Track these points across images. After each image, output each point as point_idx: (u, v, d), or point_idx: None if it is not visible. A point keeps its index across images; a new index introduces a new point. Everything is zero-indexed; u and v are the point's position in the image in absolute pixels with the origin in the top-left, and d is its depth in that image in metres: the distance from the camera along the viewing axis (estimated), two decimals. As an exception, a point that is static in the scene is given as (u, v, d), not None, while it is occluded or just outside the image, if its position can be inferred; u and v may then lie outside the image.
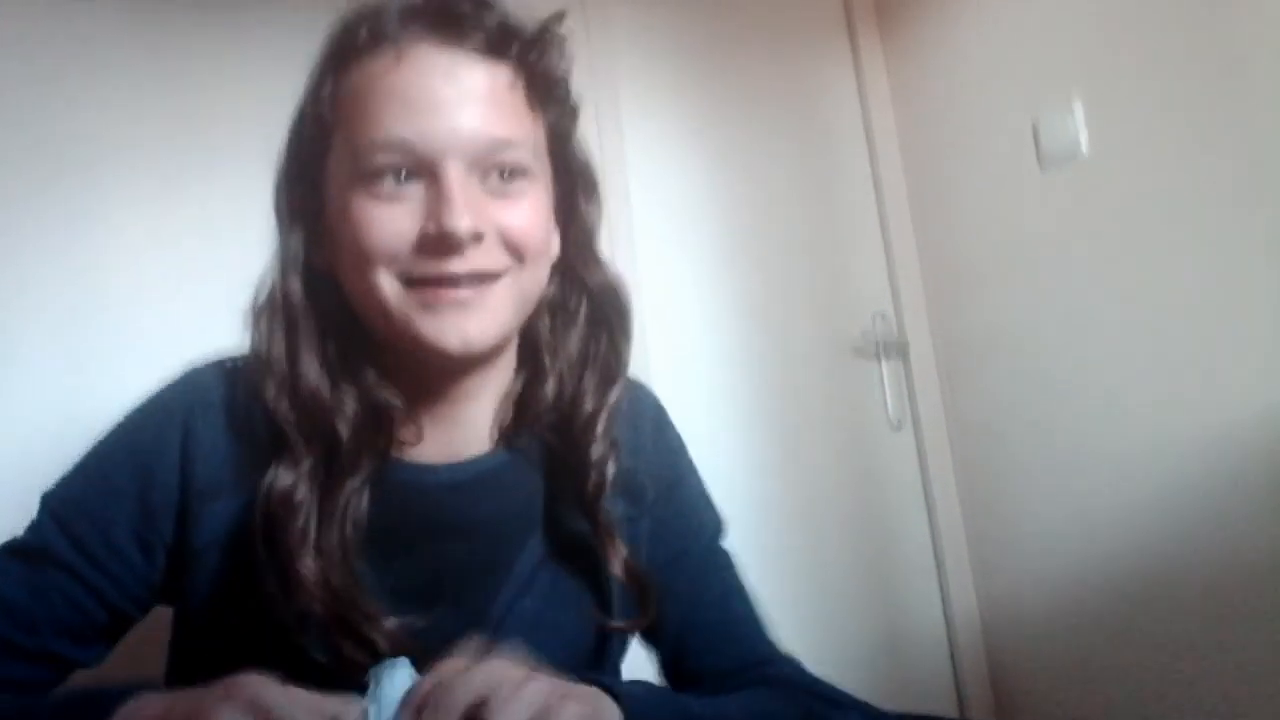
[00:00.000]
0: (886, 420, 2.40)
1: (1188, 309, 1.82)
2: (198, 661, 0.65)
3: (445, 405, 0.82)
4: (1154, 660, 1.90)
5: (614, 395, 0.85)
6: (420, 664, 0.72)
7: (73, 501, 0.78)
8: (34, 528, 0.78)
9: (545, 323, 0.85)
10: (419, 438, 0.80)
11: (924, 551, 2.38)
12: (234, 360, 0.81)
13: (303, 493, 0.74)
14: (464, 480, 0.82)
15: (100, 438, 0.81)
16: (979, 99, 2.28)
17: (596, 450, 0.83)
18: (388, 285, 0.73)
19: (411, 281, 0.72)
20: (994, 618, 2.31)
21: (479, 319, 0.74)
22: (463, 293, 0.73)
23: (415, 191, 0.72)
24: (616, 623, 0.83)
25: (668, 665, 0.94)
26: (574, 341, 0.86)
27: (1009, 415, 2.24)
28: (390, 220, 0.72)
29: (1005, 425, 2.25)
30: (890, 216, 2.49)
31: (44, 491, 0.80)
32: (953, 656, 2.33)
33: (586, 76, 2.11)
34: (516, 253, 0.75)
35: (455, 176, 0.71)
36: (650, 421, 0.96)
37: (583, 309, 0.87)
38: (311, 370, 0.76)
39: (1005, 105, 2.20)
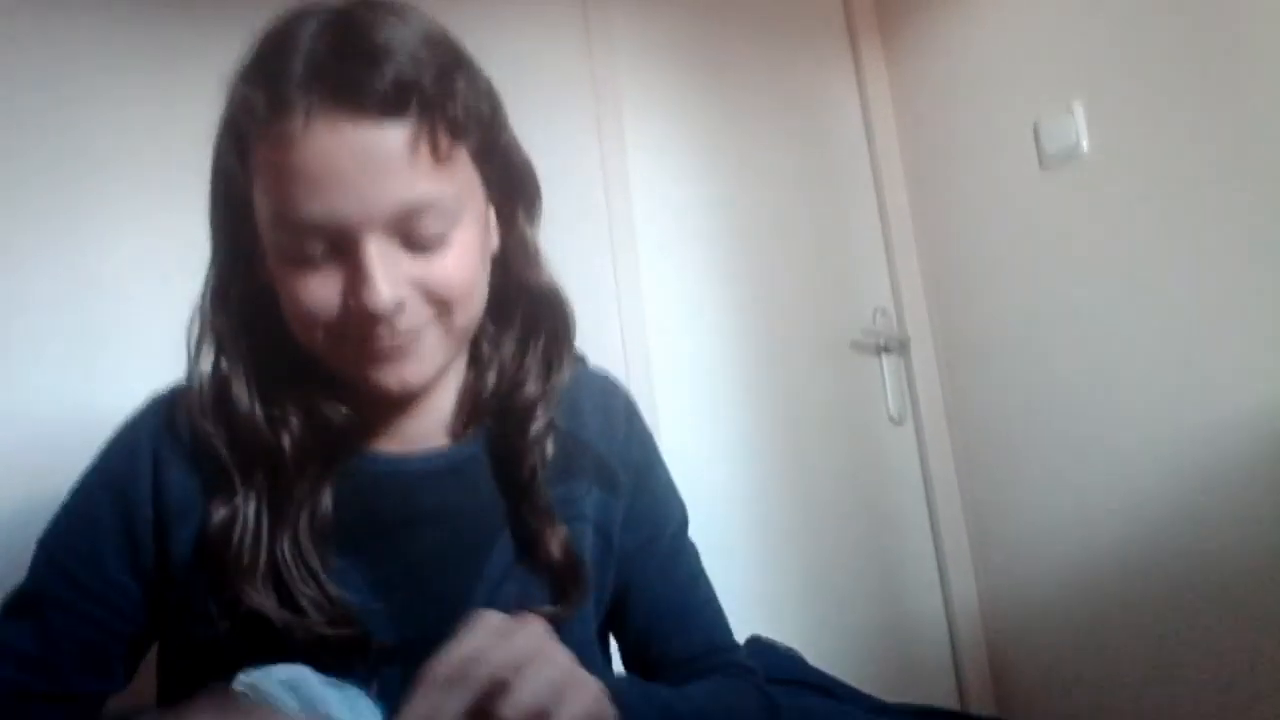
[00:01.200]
0: (887, 415, 2.42)
1: (1186, 305, 1.84)
2: (183, 680, 0.67)
3: (399, 408, 0.84)
4: (1154, 652, 1.92)
5: (554, 383, 0.87)
6: (402, 654, 0.75)
7: (62, 543, 0.81)
8: (32, 573, 0.81)
9: (486, 317, 0.86)
10: (371, 438, 0.83)
11: (925, 544, 2.40)
12: (189, 384, 0.82)
13: (243, 522, 0.76)
14: (429, 469, 0.84)
15: (79, 478, 0.83)
16: (980, 99, 2.30)
17: (534, 429, 0.85)
18: (322, 341, 0.75)
19: (346, 340, 0.74)
20: (994, 609, 2.33)
21: (415, 364, 0.76)
22: (394, 345, 0.74)
23: (338, 264, 0.72)
24: (546, 609, 0.82)
25: (629, 651, 0.96)
26: (513, 335, 0.89)
27: (1009, 410, 2.26)
28: (317, 289, 0.72)
29: (1005, 421, 2.27)
30: (891, 214, 2.50)
31: (39, 538, 0.82)
32: (953, 648, 2.35)
33: (588, 81, 2.14)
34: (443, 304, 0.75)
35: (372, 252, 0.70)
36: (622, 412, 0.98)
37: (520, 306, 0.89)
38: (242, 396, 0.78)
39: (1006, 105, 2.21)
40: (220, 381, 0.80)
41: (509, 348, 0.88)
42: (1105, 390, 2.02)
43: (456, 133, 0.73)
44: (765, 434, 2.25)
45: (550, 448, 0.86)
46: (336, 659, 0.73)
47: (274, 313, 0.77)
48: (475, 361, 0.88)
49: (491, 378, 0.87)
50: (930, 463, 2.41)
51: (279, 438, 0.77)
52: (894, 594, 2.33)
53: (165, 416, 0.83)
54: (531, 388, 0.86)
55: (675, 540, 0.98)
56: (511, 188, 0.84)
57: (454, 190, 0.74)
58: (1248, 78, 1.73)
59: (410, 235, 0.72)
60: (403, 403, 0.83)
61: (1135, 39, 1.91)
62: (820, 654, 0.97)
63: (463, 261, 0.75)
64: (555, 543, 0.84)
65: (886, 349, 2.44)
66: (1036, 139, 2.13)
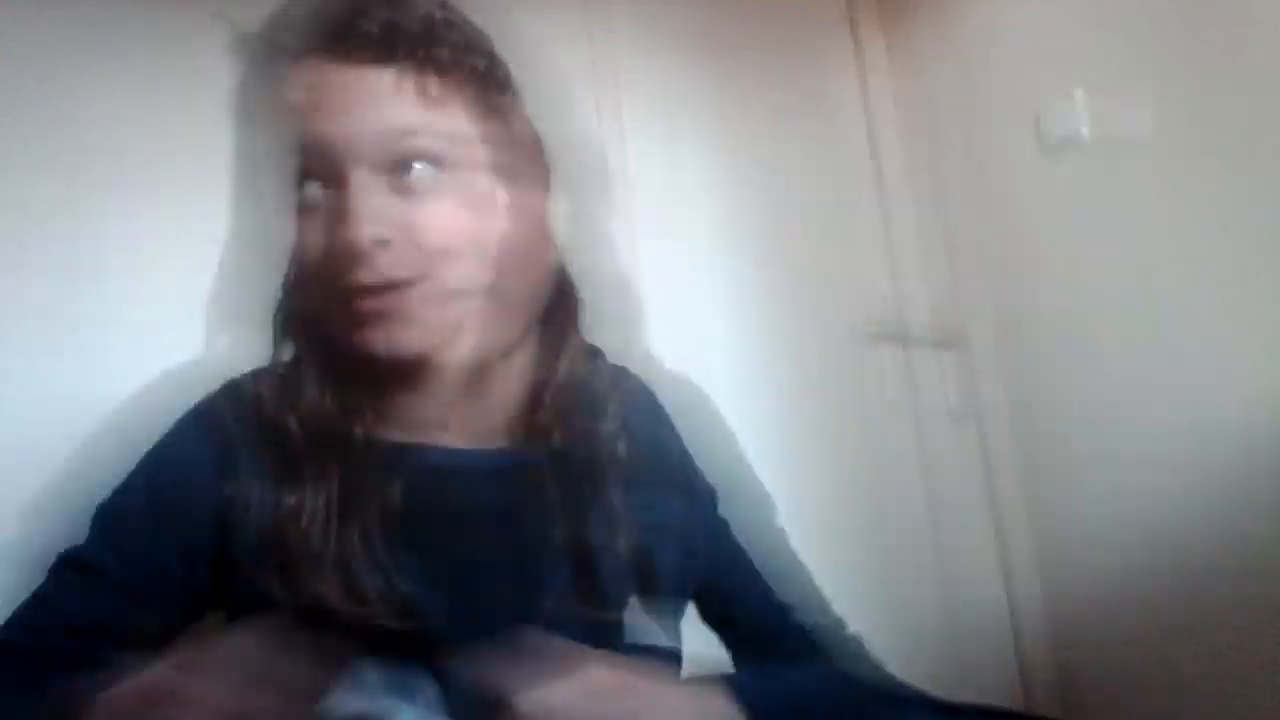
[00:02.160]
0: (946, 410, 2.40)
1: (1193, 296, 1.83)
2: None
3: (466, 398, 0.83)
4: (1225, 652, 1.84)
5: (597, 367, 0.89)
6: (460, 651, 0.74)
7: (119, 515, 0.82)
8: (88, 540, 0.81)
9: (556, 313, 0.87)
10: (440, 428, 0.82)
11: (987, 542, 2.35)
12: (268, 370, 0.83)
13: (310, 511, 0.77)
14: (496, 467, 0.84)
15: (146, 451, 0.84)
16: (981, 86, 2.29)
17: (606, 429, 0.85)
18: (321, 300, 0.76)
19: (337, 294, 0.74)
20: (1060, 608, 2.26)
21: (400, 326, 0.75)
22: (384, 301, 0.73)
23: (327, 200, 0.73)
24: (612, 614, 0.84)
25: (729, 641, 0.97)
26: (576, 330, 0.89)
27: (1069, 405, 2.19)
28: (309, 233, 0.73)
29: (1067, 415, 2.20)
30: (893, 201, 2.49)
31: (99, 503, 0.82)
32: (1017, 647, 2.30)
33: (588, 73, 2.13)
34: (429, 254, 0.74)
35: (356, 183, 0.71)
36: (658, 409, 0.98)
37: (554, 293, 0.89)
38: (312, 385, 0.79)
39: (1008, 93, 2.20)
40: (294, 370, 0.80)
41: (575, 345, 0.88)
42: (1161, 378, 1.95)
43: (446, 77, 0.74)
44: (817, 433, 2.24)
45: (623, 449, 0.85)
46: (397, 651, 0.73)
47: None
48: (543, 357, 0.88)
49: (563, 372, 0.86)
50: (991, 459, 2.36)
51: (350, 427, 0.78)
52: (955, 592, 2.30)
53: (240, 400, 0.83)
54: (599, 385, 0.87)
55: (715, 519, 0.98)
56: (518, 160, 0.83)
57: (444, 130, 0.74)
58: (1252, 64, 1.72)
59: (397, 175, 0.72)
60: (467, 391, 0.82)
61: (1137, 25, 1.91)
62: (880, 653, 0.96)
63: (456, 212, 0.75)
64: (625, 546, 0.83)
65: (941, 344, 2.41)
66: (1037, 126, 2.11)
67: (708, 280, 2.25)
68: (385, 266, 0.72)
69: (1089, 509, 2.17)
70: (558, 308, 0.88)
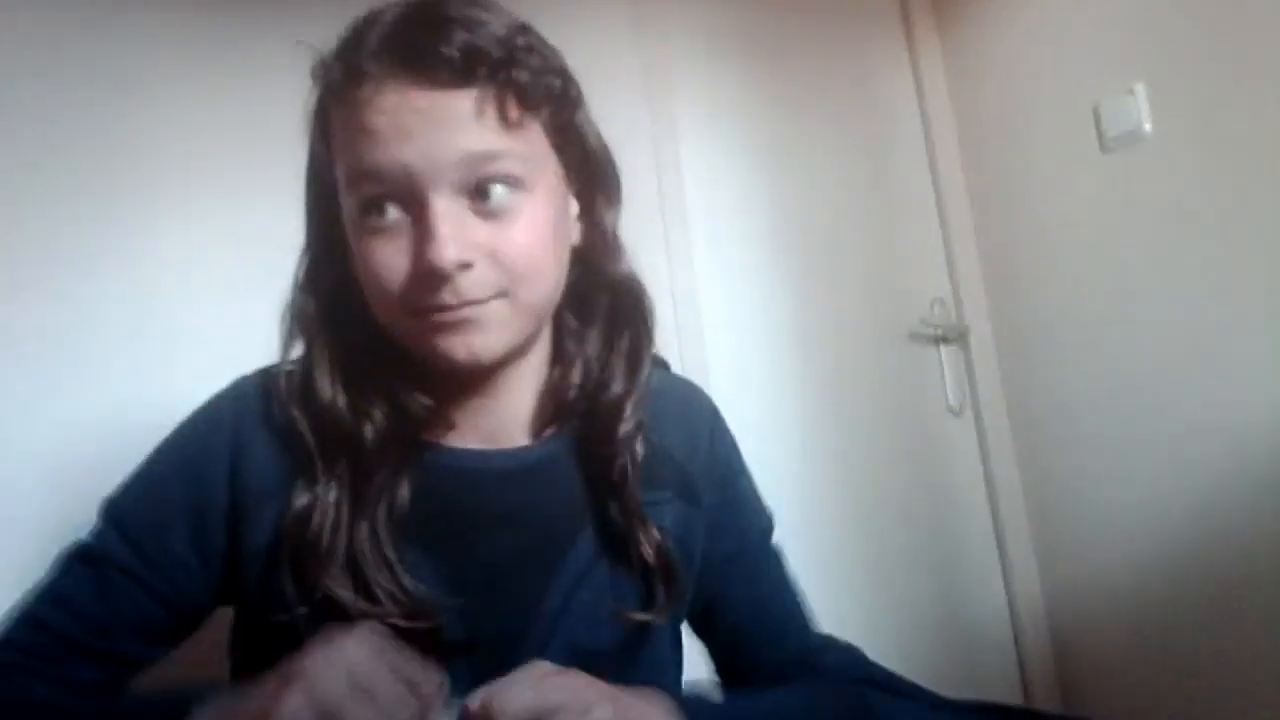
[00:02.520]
0: (946, 406, 2.39)
1: (1254, 292, 1.79)
2: (257, 661, 0.68)
3: (481, 399, 0.84)
4: (1223, 647, 1.87)
5: (640, 379, 0.87)
6: (472, 651, 0.76)
7: (131, 510, 0.82)
8: (97, 534, 0.82)
9: (569, 313, 0.87)
10: (451, 428, 0.83)
11: (986, 537, 2.37)
12: (278, 368, 0.84)
13: (323, 509, 0.77)
14: (510, 468, 0.85)
15: (156, 447, 0.84)
16: (1038, 82, 2.25)
17: (623, 429, 0.85)
18: (396, 313, 0.75)
19: (415, 310, 0.74)
20: (1059, 604, 2.29)
21: (482, 336, 0.75)
22: (461, 313, 0.74)
23: (407, 224, 0.73)
24: (640, 614, 0.84)
25: (722, 660, 0.97)
26: (598, 330, 0.88)
27: (1070, 401, 2.22)
28: (387, 255, 0.73)
29: (1067, 411, 2.23)
30: (949, 202, 2.47)
31: (105, 498, 0.83)
32: (1017, 644, 2.32)
33: (639, 74, 2.14)
34: (512, 273, 0.75)
35: (439, 207, 0.71)
36: (705, 422, 0.98)
37: (604, 299, 0.88)
38: (325, 388, 0.79)
39: (1065, 88, 2.17)
40: (306, 369, 0.81)
41: (594, 345, 0.88)
42: (1169, 379, 1.97)
43: (525, 101, 0.74)
44: (823, 427, 2.24)
45: (641, 448, 0.86)
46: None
47: (360, 301, 0.79)
48: (559, 359, 0.88)
49: (577, 375, 0.87)
50: (990, 454, 2.38)
51: (360, 426, 0.78)
52: (955, 588, 2.31)
53: (250, 398, 0.84)
54: (618, 386, 0.86)
55: (761, 550, 0.99)
56: (589, 174, 0.85)
57: (523, 152, 0.75)
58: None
59: (479, 199, 0.73)
60: (483, 392, 0.83)
61: (1198, 17, 1.86)
62: (880, 649, 0.96)
63: (533, 233, 0.76)
64: (649, 544, 0.84)
65: (945, 339, 2.41)
66: (1097, 122, 2.08)
67: (761, 281, 2.24)
68: (467, 288, 0.73)
69: (1090, 509, 2.17)
70: (617, 313, 0.89)
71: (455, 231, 0.72)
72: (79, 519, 1.45)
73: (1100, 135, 2.07)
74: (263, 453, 0.81)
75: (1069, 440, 2.24)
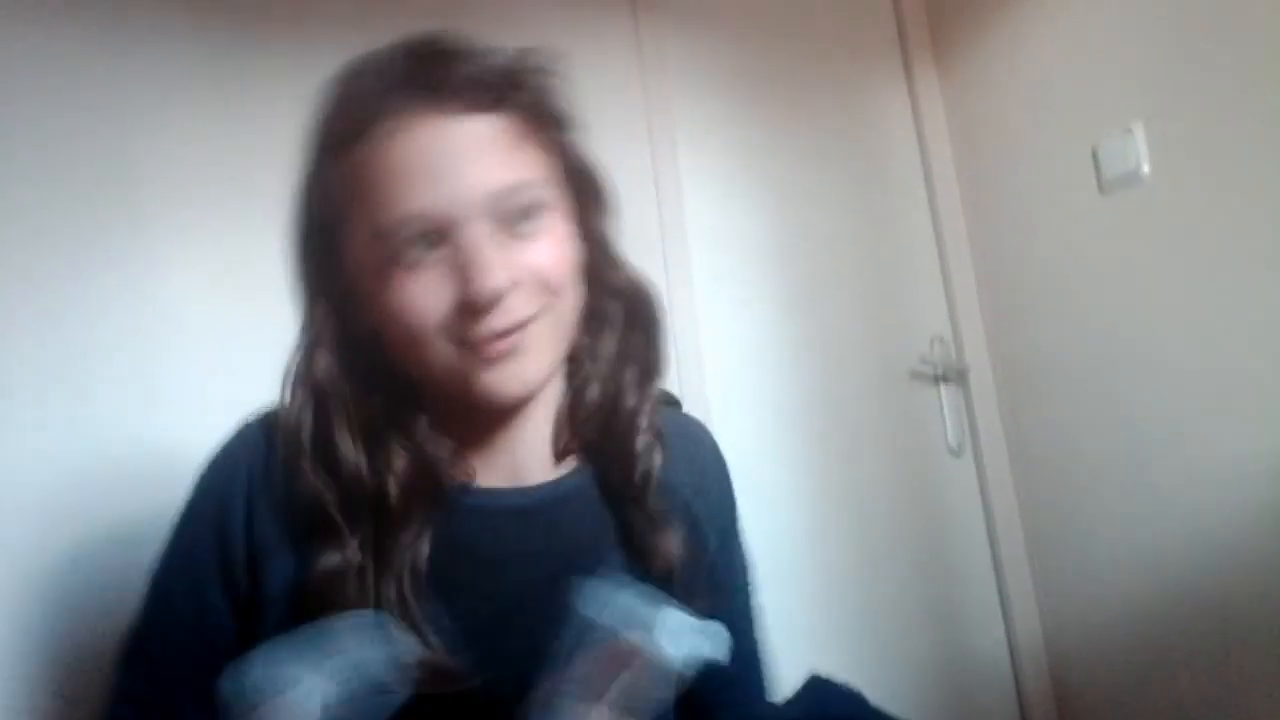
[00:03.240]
0: (946, 445, 2.38)
1: (1253, 335, 1.79)
2: None
3: (504, 435, 0.83)
4: (1221, 689, 1.86)
5: (653, 389, 0.88)
6: (493, 699, 0.75)
7: (166, 580, 0.82)
8: (143, 611, 0.82)
9: (581, 331, 0.86)
10: (474, 474, 0.82)
11: (986, 577, 2.36)
12: (279, 422, 0.82)
13: (352, 569, 0.75)
14: (531, 505, 0.84)
15: (180, 510, 0.84)
16: (1037, 122, 2.27)
17: (641, 442, 0.85)
18: (443, 351, 0.74)
19: (464, 343, 0.73)
20: (1059, 644, 2.28)
21: (534, 360, 0.76)
22: (512, 340, 0.74)
23: (443, 257, 0.72)
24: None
25: (681, 709, 0.94)
26: (609, 343, 0.88)
27: (1070, 440, 2.22)
28: (427, 292, 0.72)
29: (1067, 450, 2.23)
30: (948, 241, 2.48)
31: (151, 575, 0.83)
32: (1017, 684, 2.30)
33: (640, 105, 2.16)
34: (550, 289, 0.76)
35: (477, 237, 0.71)
36: (714, 468, 0.98)
37: (613, 311, 0.88)
38: (347, 447, 0.77)
39: (1064, 129, 2.18)
40: (323, 430, 0.79)
41: (606, 356, 0.88)
42: (1169, 419, 1.97)
43: (536, 125, 0.76)
44: (822, 465, 2.23)
45: (658, 458, 0.85)
46: (428, 704, 0.72)
47: (372, 355, 0.78)
48: (574, 377, 0.88)
49: (594, 392, 0.86)
50: (990, 493, 2.37)
51: (385, 484, 0.77)
52: (955, 628, 2.29)
53: (258, 445, 0.83)
54: (630, 399, 0.86)
55: (745, 609, 0.98)
56: (587, 190, 0.85)
57: (543, 176, 0.76)
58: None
59: (508, 224, 0.73)
60: (506, 426, 0.83)
61: (1196, 58, 1.88)
62: (880, 690, 0.94)
63: (560, 249, 0.77)
64: (674, 541, 0.83)
65: (945, 379, 2.41)
66: (1096, 163, 2.09)
67: (761, 319, 2.25)
68: (517, 308, 0.74)
69: (1090, 549, 2.17)
70: (627, 322, 0.89)
71: (495, 255, 0.72)
72: (68, 554, 1.44)
73: (1099, 177, 2.09)
74: (271, 504, 0.80)
75: (1069, 480, 2.23)
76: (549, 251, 0.76)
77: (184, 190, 1.67)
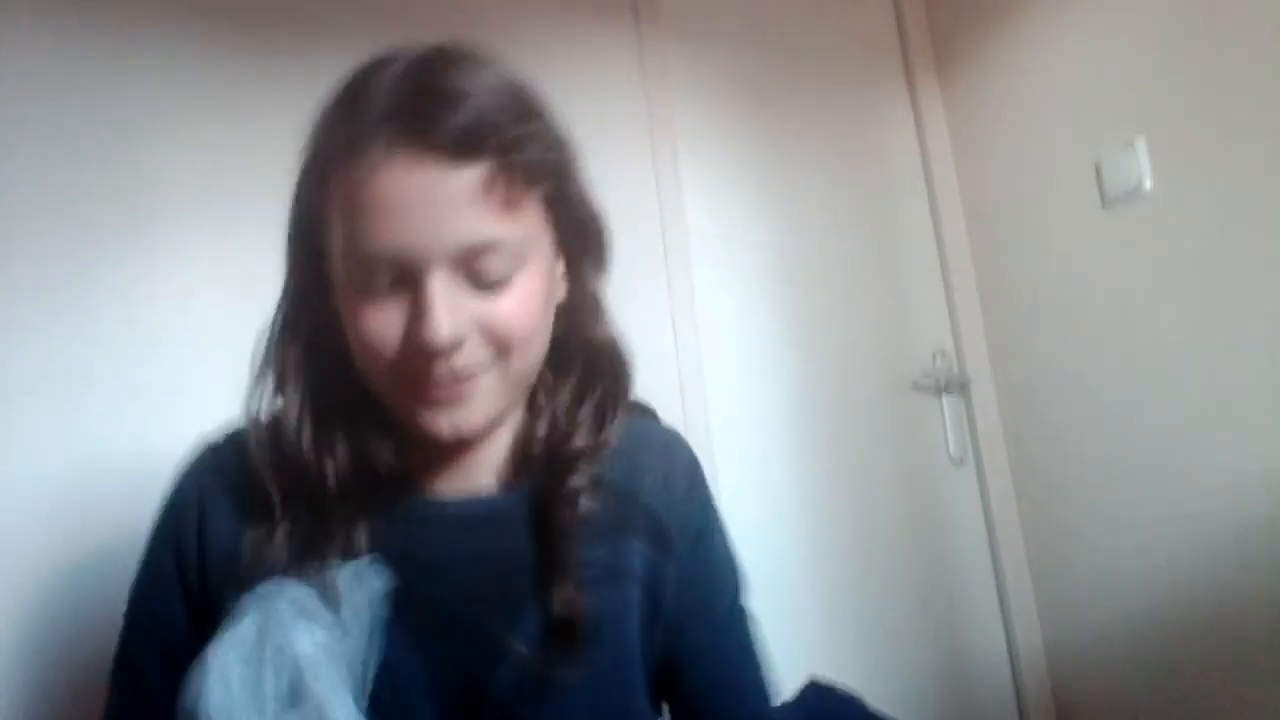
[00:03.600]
0: (948, 457, 2.38)
1: (1254, 348, 1.80)
2: None
3: (453, 456, 0.85)
4: (1222, 700, 1.86)
5: (604, 437, 0.87)
6: (435, 696, 0.76)
7: (139, 601, 0.85)
8: (122, 636, 0.84)
9: (546, 367, 0.87)
10: (419, 479, 0.84)
11: (987, 588, 2.36)
12: (240, 431, 0.84)
13: (274, 546, 0.77)
14: (470, 515, 0.84)
15: (150, 533, 0.86)
16: (1040, 137, 2.28)
17: (573, 481, 0.84)
18: (391, 382, 0.76)
19: (410, 379, 0.75)
20: (1059, 655, 2.28)
21: (468, 411, 0.76)
22: (450, 390, 0.75)
23: (404, 297, 0.73)
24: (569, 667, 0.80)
25: (678, 718, 0.95)
26: (570, 386, 0.89)
27: (1071, 452, 2.22)
28: (385, 325, 0.73)
29: (1068, 462, 2.23)
30: (950, 254, 2.49)
31: (127, 603, 0.85)
32: (1017, 693, 2.30)
33: (643, 118, 2.17)
34: (504, 345, 0.76)
35: (434, 286, 0.71)
36: (683, 472, 0.97)
37: (579, 357, 0.89)
38: (292, 421, 0.79)
39: (1067, 143, 2.19)
40: (277, 410, 0.81)
41: (564, 399, 0.88)
42: (1170, 432, 1.97)
43: (528, 179, 0.74)
44: (824, 475, 2.24)
45: (588, 503, 0.85)
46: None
47: (337, 346, 0.79)
48: (530, 410, 0.89)
49: (543, 427, 0.87)
50: (992, 504, 2.37)
51: (322, 466, 0.79)
52: (956, 637, 2.29)
53: (212, 461, 0.85)
54: (580, 441, 0.86)
55: (730, 609, 0.98)
56: (581, 240, 0.85)
57: (521, 234, 0.75)
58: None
59: (475, 274, 0.73)
60: (454, 449, 0.84)
61: (1199, 74, 1.89)
62: (880, 698, 0.94)
63: (524, 305, 0.76)
64: (560, 599, 0.81)
65: (947, 390, 2.41)
66: (1099, 177, 2.10)
67: (763, 331, 2.25)
68: (460, 362, 0.74)
69: (1091, 561, 2.17)
70: (591, 371, 0.90)
71: (450, 308, 0.72)
72: (71, 559, 1.44)
73: (1101, 191, 2.09)
74: (224, 513, 0.82)
75: (1070, 491, 2.23)
76: (510, 309, 0.75)
77: (184, 193, 1.67)
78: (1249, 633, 1.81)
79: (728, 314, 2.19)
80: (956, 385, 2.42)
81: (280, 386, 0.82)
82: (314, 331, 0.82)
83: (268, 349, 0.83)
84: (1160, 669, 2.00)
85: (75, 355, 1.54)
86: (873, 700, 0.95)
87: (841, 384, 2.30)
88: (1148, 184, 1.99)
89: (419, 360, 0.73)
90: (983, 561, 2.37)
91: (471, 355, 0.74)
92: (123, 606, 0.86)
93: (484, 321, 0.74)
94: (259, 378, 0.83)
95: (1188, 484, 1.93)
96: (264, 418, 0.82)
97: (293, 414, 0.80)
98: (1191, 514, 1.92)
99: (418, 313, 0.72)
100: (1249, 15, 1.79)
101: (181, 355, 1.61)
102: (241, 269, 1.63)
